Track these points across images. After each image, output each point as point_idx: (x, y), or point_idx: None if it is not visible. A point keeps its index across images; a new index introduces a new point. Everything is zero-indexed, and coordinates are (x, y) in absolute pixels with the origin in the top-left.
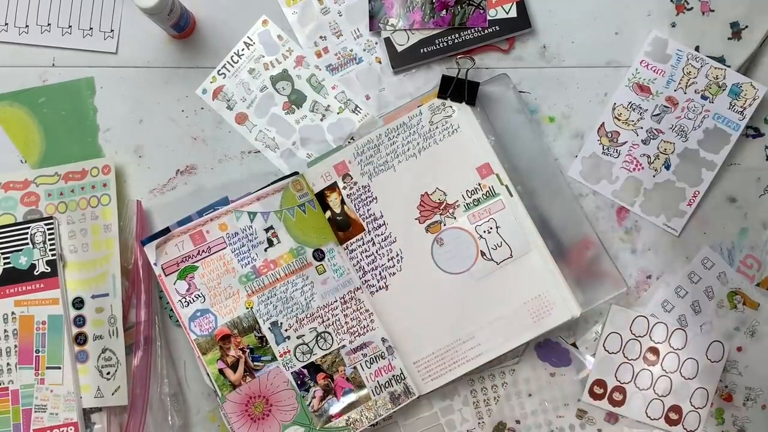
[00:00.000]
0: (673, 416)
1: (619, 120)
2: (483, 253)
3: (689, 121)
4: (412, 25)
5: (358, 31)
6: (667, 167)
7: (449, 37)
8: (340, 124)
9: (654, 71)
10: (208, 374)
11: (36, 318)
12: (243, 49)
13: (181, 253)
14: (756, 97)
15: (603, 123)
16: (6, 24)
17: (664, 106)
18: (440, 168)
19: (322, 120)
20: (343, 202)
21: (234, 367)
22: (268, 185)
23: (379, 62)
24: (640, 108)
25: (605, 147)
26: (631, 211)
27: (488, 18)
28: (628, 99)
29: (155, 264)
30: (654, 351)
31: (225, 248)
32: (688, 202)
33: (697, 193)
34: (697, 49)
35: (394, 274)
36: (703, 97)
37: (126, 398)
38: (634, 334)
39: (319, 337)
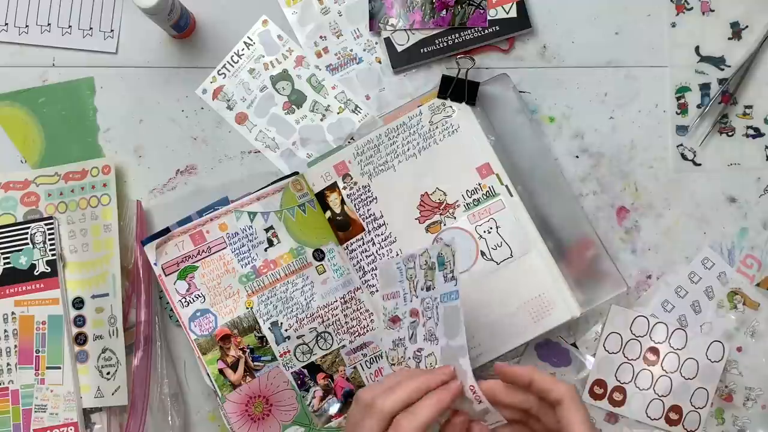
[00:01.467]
0: (674, 416)
1: None
2: (483, 253)
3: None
4: (412, 25)
5: (358, 31)
6: None
7: (449, 37)
8: (340, 124)
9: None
10: (208, 374)
11: (36, 318)
12: (243, 49)
13: (181, 253)
14: None
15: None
16: (6, 24)
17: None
18: (440, 168)
19: (322, 120)
20: (343, 202)
21: (234, 367)
22: (268, 185)
23: (379, 62)
24: None
25: None
26: (632, 211)
27: (488, 18)
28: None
29: (155, 264)
30: (654, 351)
31: (225, 248)
32: None
33: None
34: (697, 49)
35: None
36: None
37: (126, 398)
38: (634, 334)
39: (319, 337)
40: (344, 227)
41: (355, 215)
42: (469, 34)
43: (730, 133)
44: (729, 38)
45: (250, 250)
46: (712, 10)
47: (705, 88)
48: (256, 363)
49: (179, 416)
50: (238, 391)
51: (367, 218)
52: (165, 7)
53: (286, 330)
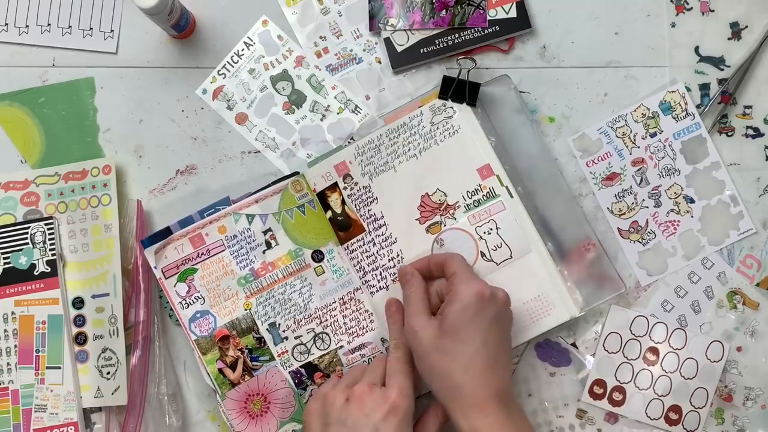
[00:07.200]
0: (673, 416)
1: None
2: (483, 254)
3: (663, 159)
4: (412, 25)
5: (358, 31)
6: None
7: (449, 37)
8: (340, 124)
9: (602, 160)
10: (208, 373)
11: (36, 318)
12: (243, 50)
13: (180, 256)
14: (680, 92)
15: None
16: (6, 24)
17: (637, 170)
18: (441, 169)
19: (322, 120)
20: (343, 203)
21: (233, 366)
22: (267, 186)
23: (379, 62)
24: (626, 191)
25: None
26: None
27: (488, 18)
28: (609, 199)
29: (155, 268)
30: (654, 351)
31: (224, 251)
32: None
33: None
34: (696, 49)
35: (394, 274)
36: (652, 135)
37: (126, 398)
38: (634, 334)
39: (316, 338)
40: (345, 227)
41: (355, 215)
42: (468, 35)
43: (729, 133)
44: (729, 38)
45: (248, 252)
46: (712, 10)
47: (705, 88)
48: (254, 363)
49: (177, 416)
50: (237, 389)
51: (367, 219)
52: (165, 7)
53: (283, 331)
